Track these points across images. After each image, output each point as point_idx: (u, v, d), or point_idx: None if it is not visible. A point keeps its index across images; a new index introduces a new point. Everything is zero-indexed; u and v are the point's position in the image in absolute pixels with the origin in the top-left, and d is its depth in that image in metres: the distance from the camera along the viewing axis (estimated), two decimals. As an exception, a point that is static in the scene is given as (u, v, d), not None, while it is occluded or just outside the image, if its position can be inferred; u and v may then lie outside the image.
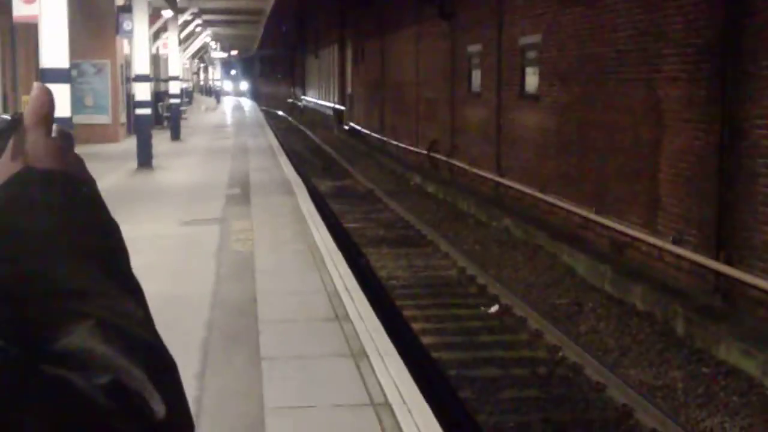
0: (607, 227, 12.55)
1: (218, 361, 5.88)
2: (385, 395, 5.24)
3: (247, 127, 36.03)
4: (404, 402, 5.14)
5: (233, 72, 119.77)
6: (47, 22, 9.97)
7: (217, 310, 7.20)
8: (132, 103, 24.60)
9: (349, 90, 41.17)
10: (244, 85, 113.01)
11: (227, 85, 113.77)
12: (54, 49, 10.03)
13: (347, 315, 7.00)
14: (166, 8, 26.57)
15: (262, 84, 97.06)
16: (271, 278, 8.34)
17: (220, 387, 5.39)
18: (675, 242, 10.75)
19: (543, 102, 15.56)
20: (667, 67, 11.15)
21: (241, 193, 14.61)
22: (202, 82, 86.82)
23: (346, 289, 7.89)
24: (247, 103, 69.49)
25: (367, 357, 5.94)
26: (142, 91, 19.68)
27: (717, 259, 9.89)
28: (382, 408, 5.04)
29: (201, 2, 32.10)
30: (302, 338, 6.41)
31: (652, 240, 11.26)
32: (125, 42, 27.66)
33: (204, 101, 67.66)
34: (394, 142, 28.52)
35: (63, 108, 10.09)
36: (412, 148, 25.83)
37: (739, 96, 9.63)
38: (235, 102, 71.49)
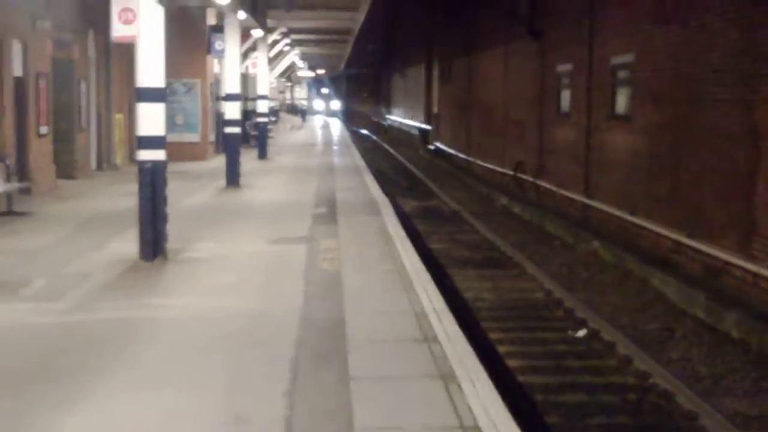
0: (700, 251, 12.26)
1: (308, 380, 5.89)
2: (475, 418, 5.18)
3: (333, 146, 36.30)
4: (495, 426, 5.07)
5: (324, 90, 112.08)
6: (145, 43, 10.18)
7: (305, 328, 7.22)
8: (221, 122, 24.99)
9: (435, 109, 41.19)
10: (336, 104, 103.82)
11: (318, 105, 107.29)
12: (151, 69, 10.22)
13: (436, 336, 6.95)
14: (256, 27, 26.96)
15: (349, 103, 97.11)
16: (359, 298, 8.34)
17: (310, 406, 5.39)
18: (772, 268, 10.45)
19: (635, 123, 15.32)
20: (764, 87, 10.87)
21: (328, 212, 14.68)
22: (288, 101, 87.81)
23: (434, 310, 7.84)
24: (334, 123, 69.93)
25: (456, 379, 5.88)
26: (232, 110, 19.96)
27: (816, 286, 9.58)
28: (472, 431, 4.98)
29: (290, 22, 32.49)
30: (391, 359, 6.38)
31: (747, 265, 10.96)
32: (215, 61, 28.17)
33: (290, 120, 68.47)
34: (480, 163, 28.41)
35: (158, 127, 10.29)
36: (498, 169, 25.69)
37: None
38: (321, 122, 71.97)
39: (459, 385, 5.76)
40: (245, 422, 5.18)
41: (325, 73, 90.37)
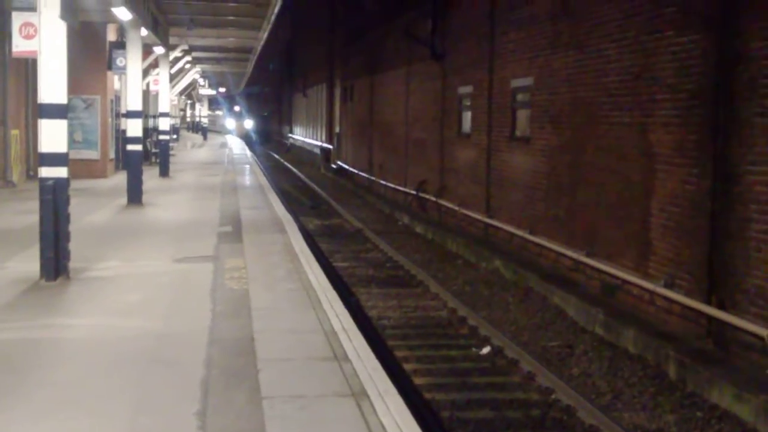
0: (598, 270, 12.61)
1: (219, 400, 5.86)
2: (387, 436, 5.25)
3: (235, 165, 36.05)
4: (407, 443, 5.15)
5: (237, 108, 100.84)
6: (47, 58, 10.00)
7: (215, 347, 7.18)
8: (122, 139, 24.59)
9: (337, 129, 41.32)
10: (250, 124, 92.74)
11: (230, 124, 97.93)
12: (53, 85, 10.04)
13: (346, 355, 7.00)
14: (157, 44, 26.66)
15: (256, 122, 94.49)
16: (268, 317, 8.33)
17: (222, 426, 5.38)
18: (666, 286, 10.82)
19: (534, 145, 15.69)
20: (659, 111, 11.28)
21: (233, 231, 14.61)
22: (188, 119, 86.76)
23: (344, 328, 7.89)
24: (235, 141, 69.30)
25: (368, 397, 5.94)
26: (134, 128, 19.70)
27: (709, 303, 9.96)
28: (386, 449, 5.04)
29: (192, 39, 32.22)
30: (302, 377, 6.40)
31: (643, 283, 11.32)
32: (115, 77, 27.73)
33: (191, 138, 67.72)
34: (383, 182, 28.61)
35: (60, 143, 10.11)
36: (400, 188, 25.92)
37: (730, 141, 9.75)
38: (221, 140, 71.14)
39: (371, 403, 5.81)
40: (157, 443, 5.14)
41: (227, 91, 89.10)
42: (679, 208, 10.76)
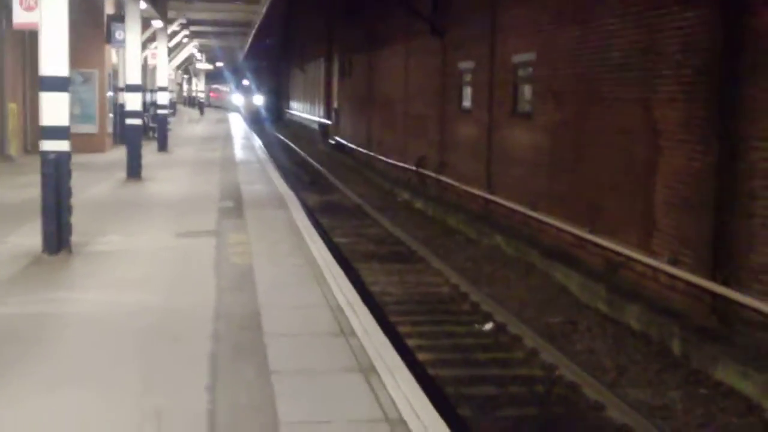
0: (602, 246, 12.58)
1: (228, 374, 5.84)
2: (398, 411, 5.22)
3: (232, 139, 35.94)
4: (418, 417, 5.13)
5: (245, 82, 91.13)
6: (48, 30, 9.90)
7: (221, 322, 7.15)
8: (121, 113, 24.45)
9: (335, 104, 41.20)
10: (259, 100, 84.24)
11: (237, 100, 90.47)
12: (54, 57, 9.95)
13: (353, 330, 6.98)
14: (155, 18, 26.49)
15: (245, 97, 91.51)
16: (273, 291, 8.30)
17: (232, 400, 5.35)
18: (671, 262, 10.79)
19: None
20: (664, 87, 11.21)
21: (234, 206, 14.55)
22: (185, 93, 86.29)
23: (349, 303, 7.87)
24: (234, 116, 68.88)
25: (377, 372, 5.92)
26: (133, 102, 19.59)
27: (713, 280, 9.94)
28: (398, 424, 5.02)
29: (190, 13, 32.03)
30: (310, 352, 6.38)
31: (647, 260, 11.29)
32: (113, 51, 27.56)
33: (188, 113, 67.50)
34: (382, 158, 28.54)
35: (62, 117, 10.03)
36: (400, 164, 25.84)
37: (736, 117, 9.70)
38: (220, 115, 70.58)
39: (380, 378, 5.79)
40: (167, 418, 5.10)
41: (224, 64, 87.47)
42: (683, 184, 10.71)
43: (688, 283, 10.43)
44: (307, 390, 5.55)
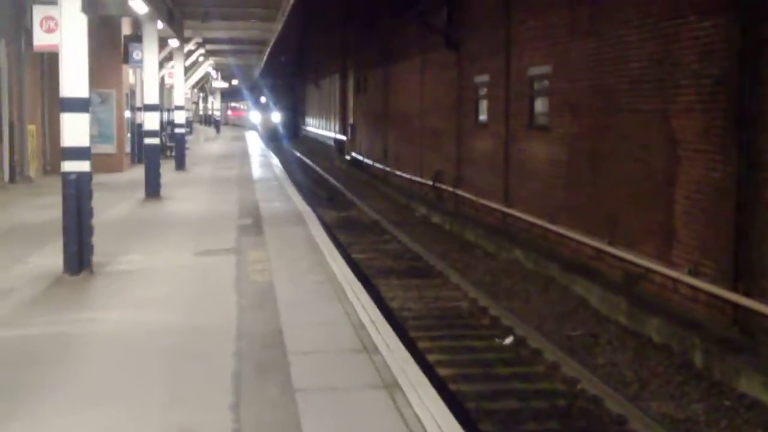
0: (621, 258, 12.54)
1: (251, 392, 5.85)
2: (424, 427, 5.22)
3: (249, 157, 36.06)
4: (443, 434, 5.13)
5: (263, 99, 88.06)
6: (68, 52, 9.99)
7: (243, 340, 7.17)
8: (139, 132, 24.58)
9: (350, 119, 41.28)
10: (277, 117, 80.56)
11: (255, 117, 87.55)
12: (74, 78, 10.04)
13: (376, 347, 6.98)
14: (172, 37, 26.66)
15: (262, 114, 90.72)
16: (294, 309, 8.32)
17: (257, 419, 5.36)
18: (691, 274, 10.75)
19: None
20: (680, 98, 11.20)
21: (253, 223, 14.60)
22: (201, 112, 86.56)
23: (371, 320, 7.87)
24: (251, 134, 68.96)
25: (401, 388, 5.92)
26: (152, 121, 19.71)
27: (735, 291, 9.89)
28: (423, 440, 5.02)
29: (206, 32, 32.20)
30: (333, 370, 6.39)
31: (667, 271, 11.26)
32: (130, 71, 27.74)
33: (204, 131, 67.79)
34: (398, 173, 28.56)
35: (82, 137, 10.11)
36: (416, 179, 25.86)
37: (756, 127, 9.67)
38: (237, 132, 70.54)
39: (404, 395, 5.79)
40: (193, 437, 5.13)
41: (240, 82, 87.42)
42: (703, 195, 10.68)
43: (709, 294, 10.38)
44: (332, 407, 5.56)
